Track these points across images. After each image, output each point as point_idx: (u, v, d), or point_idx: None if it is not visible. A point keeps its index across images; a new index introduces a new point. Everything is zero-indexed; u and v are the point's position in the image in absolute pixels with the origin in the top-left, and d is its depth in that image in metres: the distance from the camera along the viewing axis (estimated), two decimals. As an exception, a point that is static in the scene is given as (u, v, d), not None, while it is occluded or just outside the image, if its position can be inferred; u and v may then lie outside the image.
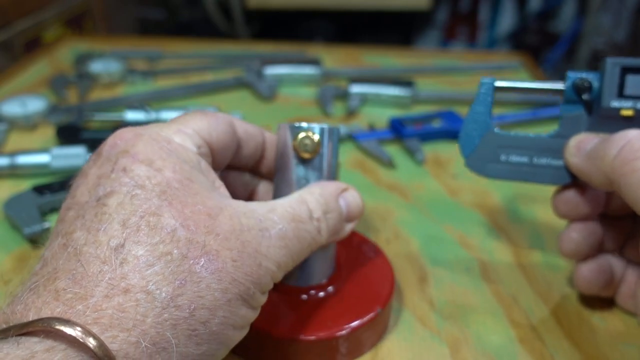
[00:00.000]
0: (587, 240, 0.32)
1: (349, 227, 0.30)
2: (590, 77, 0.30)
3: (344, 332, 0.29)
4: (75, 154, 0.47)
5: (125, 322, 0.19)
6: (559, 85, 0.31)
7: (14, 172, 0.46)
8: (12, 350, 0.18)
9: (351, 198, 0.30)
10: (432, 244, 0.40)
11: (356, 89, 0.62)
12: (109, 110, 0.58)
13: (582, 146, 0.30)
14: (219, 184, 0.27)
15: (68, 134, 0.52)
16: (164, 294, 0.20)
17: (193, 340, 0.21)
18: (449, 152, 0.53)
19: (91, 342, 0.18)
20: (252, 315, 0.24)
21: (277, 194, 0.31)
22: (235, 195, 0.30)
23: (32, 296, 0.20)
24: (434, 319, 0.33)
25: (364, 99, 0.62)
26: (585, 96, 0.30)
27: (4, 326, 0.19)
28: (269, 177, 0.33)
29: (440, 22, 1.52)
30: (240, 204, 0.25)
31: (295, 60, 0.68)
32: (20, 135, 0.54)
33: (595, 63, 1.42)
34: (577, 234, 0.32)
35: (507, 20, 1.52)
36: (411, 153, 0.52)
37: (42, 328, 0.18)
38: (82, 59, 0.70)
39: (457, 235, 0.41)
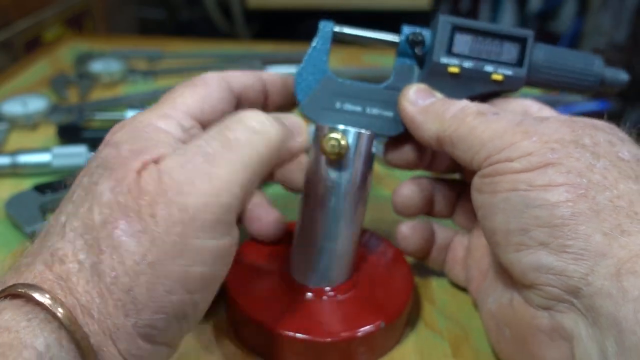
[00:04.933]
0: (417, 196, 0.34)
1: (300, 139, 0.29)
2: (424, 32, 0.31)
3: (330, 339, 0.29)
4: (76, 153, 0.47)
5: (63, 289, 0.20)
6: (394, 38, 0.32)
7: (15, 171, 0.46)
8: None
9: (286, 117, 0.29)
10: (433, 243, 0.40)
11: (357, 88, 0.62)
12: (110, 110, 0.59)
13: (420, 97, 0.30)
14: None
15: (69, 134, 0.52)
16: (88, 262, 0.21)
17: (119, 311, 0.20)
18: (450, 151, 0.53)
19: (60, 312, 0.19)
20: (200, 274, 0.22)
21: (306, 194, 0.31)
22: None
23: (9, 273, 0.22)
24: (435, 318, 0.33)
25: (365, 98, 0.62)
26: (417, 50, 0.31)
27: None
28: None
29: (440, 22, 1.52)
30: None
31: (295, 60, 0.68)
32: (21, 135, 0.54)
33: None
34: (408, 190, 0.34)
35: (507, 20, 1.52)
36: (412, 152, 0.52)
37: (9, 293, 0.20)
38: (82, 59, 0.70)
39: (458, 234, 0.41)
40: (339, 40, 0.33)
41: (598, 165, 0.24)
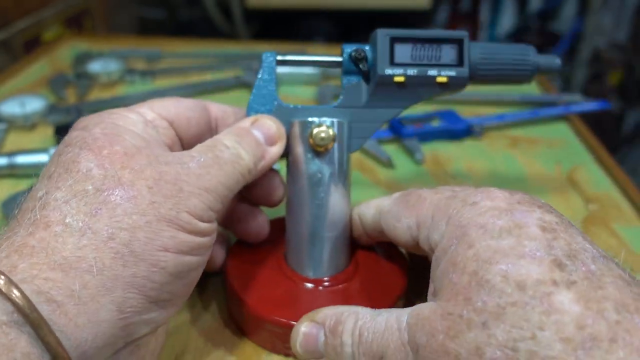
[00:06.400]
0: None
1: (274, 150, 0.31)
2: (365, 48, 0.32)
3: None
4: (73, 153, 0.47)
5: (46, 251, 0.22)
6: (337, 58, 0.33)
7: (12, 172, 0.46)
8: None
9: (263, 125, 0.31)
10: (431, 244, 0.40)
11: (356, 88, 0.62)
12: (108, 110, 0.58)
13: (310, 347, 0.27)
14: (172, 150, 0.29)
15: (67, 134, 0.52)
16: (80, 223, 0.23)
17: (118, 262, 0.23)
18: (449, 151, 0.53)
19: (15, 293, 0.20)
20: (191, 239, 0.25)
21: (291, 189, 0.32)
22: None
23: None
24: (433, 319, 0.33)
25: (364, 98, 0.62)
26: (362, 66, 0.32)
27: None
28: None
29: (440, 22, 1.52)
30: (165, 151, 0.27)
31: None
32: (19, 135, 0.54)
33: (595, 63, 1.42)
34: None
35: (507, 20, 1.52)
36: (410, 153, 0.52)
37: None
38: (81, 59, 0.70)
39: (457, 235, 0.41)
40: (285, 65, 0.34)
41: None
